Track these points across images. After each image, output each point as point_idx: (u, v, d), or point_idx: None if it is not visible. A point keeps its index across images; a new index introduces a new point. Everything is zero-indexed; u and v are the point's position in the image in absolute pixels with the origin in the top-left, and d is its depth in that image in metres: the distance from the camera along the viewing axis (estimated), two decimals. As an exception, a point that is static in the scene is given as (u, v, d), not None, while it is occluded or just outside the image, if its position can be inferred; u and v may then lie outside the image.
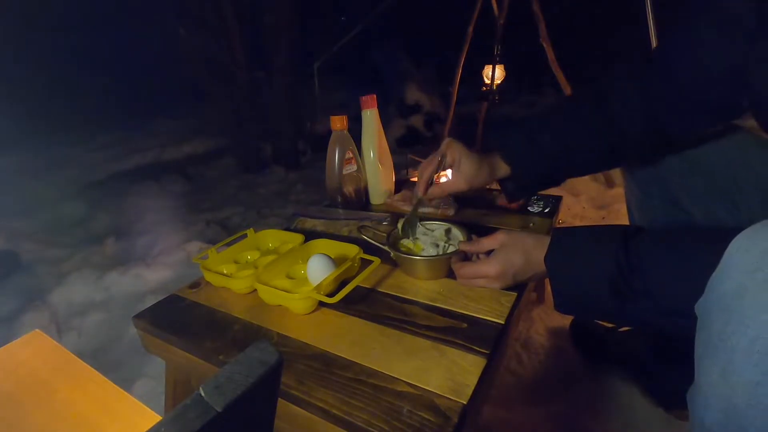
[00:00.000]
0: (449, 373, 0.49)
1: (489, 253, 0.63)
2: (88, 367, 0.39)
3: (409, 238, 0.74)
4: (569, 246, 0.55)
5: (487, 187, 0.78)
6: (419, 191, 0.74)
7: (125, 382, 0.99)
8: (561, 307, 0.56)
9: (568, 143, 0.66)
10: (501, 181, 0.74)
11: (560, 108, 0.70)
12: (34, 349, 0.41)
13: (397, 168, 1.05)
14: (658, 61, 0.61)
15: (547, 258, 0.56)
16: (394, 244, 0.72)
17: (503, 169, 0.70)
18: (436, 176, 0.73)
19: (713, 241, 0.40)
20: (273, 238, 0.82)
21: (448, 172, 0.73)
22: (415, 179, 1.10)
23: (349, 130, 0.95)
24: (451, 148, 0.71)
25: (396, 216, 0.89)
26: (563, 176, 0.73)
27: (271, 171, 2.72)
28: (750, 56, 0.50)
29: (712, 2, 0.55)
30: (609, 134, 0.64)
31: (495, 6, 1.67)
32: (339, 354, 0.53)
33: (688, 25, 0.58)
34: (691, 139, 0.65)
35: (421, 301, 0.63)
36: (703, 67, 0.56)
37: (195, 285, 0.72)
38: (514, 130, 0.70)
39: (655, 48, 0.63)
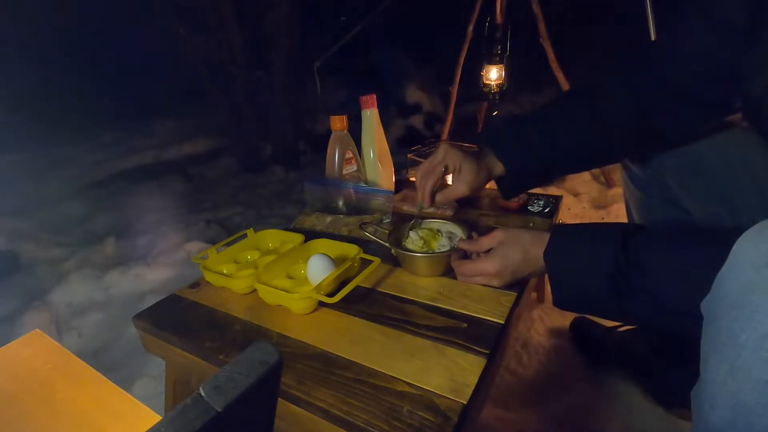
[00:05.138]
0: (449, 373, 0.49)
1: (489, 252, 0.63)
2: (88, 367, 0.39)
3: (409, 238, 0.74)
4: (568, 242, 0.55)
5: (486, 187, 0.78)
6: (425, 202, 0.74)
7: (125, 382, 0.99)
8: (560, 303, 0.56)
9: (556, 140, 0.67)
10: (497, 180, 0.74)
11: (549, 105, 0.71)
12: (34, 349, 0.41)
13: (397, 168, 1.05)
14: (649, 58, 0.61)
15: (547, 254, 0.56)
16: (396, 241, 0.72)
17: (498, 167, 0.71)
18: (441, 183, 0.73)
19: (712, 240, 0.40)
20: (273, 238, 0.82)
21: (449, 177, 0.73)
22: (414, 179, 1.10)
23: (349, 130, 0.94)
24: (450, 155, 0.71)
25: (396, 216, 0.89)
26: (556, 173, 0.74)
27: (271, 171, 2.72)
28: (745, 61, 0.50)
29: (704, 2, 0.55)
30: (595, 130, 0.65)
31: (498, 6, 1.67)
32: (339, 354, 0.53)
33: (680, 23, 0.58)
34: (685, 136, 0.65)
35: (421, 300, 0.63)
36: (694, 65, 0.56)
37: (195, 285, 0.72)
38: (504, 129, 0.71)
39: (646, 44, 0.63)
